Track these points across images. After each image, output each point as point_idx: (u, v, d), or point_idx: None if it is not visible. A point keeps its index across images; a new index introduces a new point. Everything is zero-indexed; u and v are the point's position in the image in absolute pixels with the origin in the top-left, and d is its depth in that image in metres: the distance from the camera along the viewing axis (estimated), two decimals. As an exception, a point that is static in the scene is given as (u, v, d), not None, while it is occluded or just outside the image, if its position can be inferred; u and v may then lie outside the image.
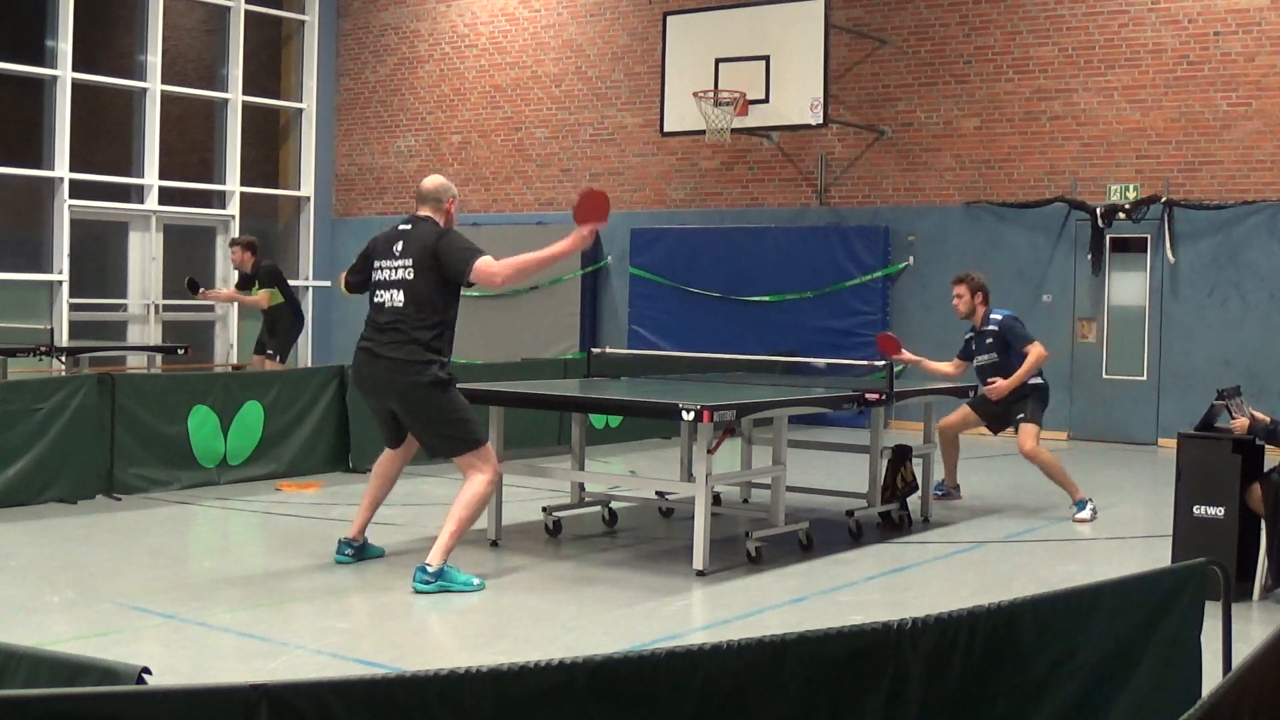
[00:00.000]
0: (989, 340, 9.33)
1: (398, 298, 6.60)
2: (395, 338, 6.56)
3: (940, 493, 9.60)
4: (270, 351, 12.60)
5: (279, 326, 12.66)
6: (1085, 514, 9.01)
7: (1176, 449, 6.91)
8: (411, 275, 6.57)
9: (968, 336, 9.57)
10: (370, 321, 6.72)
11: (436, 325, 6.58)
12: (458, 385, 6.76)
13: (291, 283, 13.67)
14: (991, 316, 9.38)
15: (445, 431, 6.64)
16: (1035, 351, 9.19)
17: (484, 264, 6.51)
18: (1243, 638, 3.66)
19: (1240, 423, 6.65)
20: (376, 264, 6.76)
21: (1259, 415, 6.71)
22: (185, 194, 17.89)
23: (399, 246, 6.67)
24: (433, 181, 6.87)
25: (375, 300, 6.73)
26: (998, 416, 9.48)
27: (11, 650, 2.37)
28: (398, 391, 6.62)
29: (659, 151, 16.82)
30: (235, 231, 17.98)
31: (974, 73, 14.94)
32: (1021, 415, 9.22)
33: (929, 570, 7.55)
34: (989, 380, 9.31)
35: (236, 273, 13.20)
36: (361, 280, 6.89)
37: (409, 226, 6.77)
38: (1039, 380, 9.31)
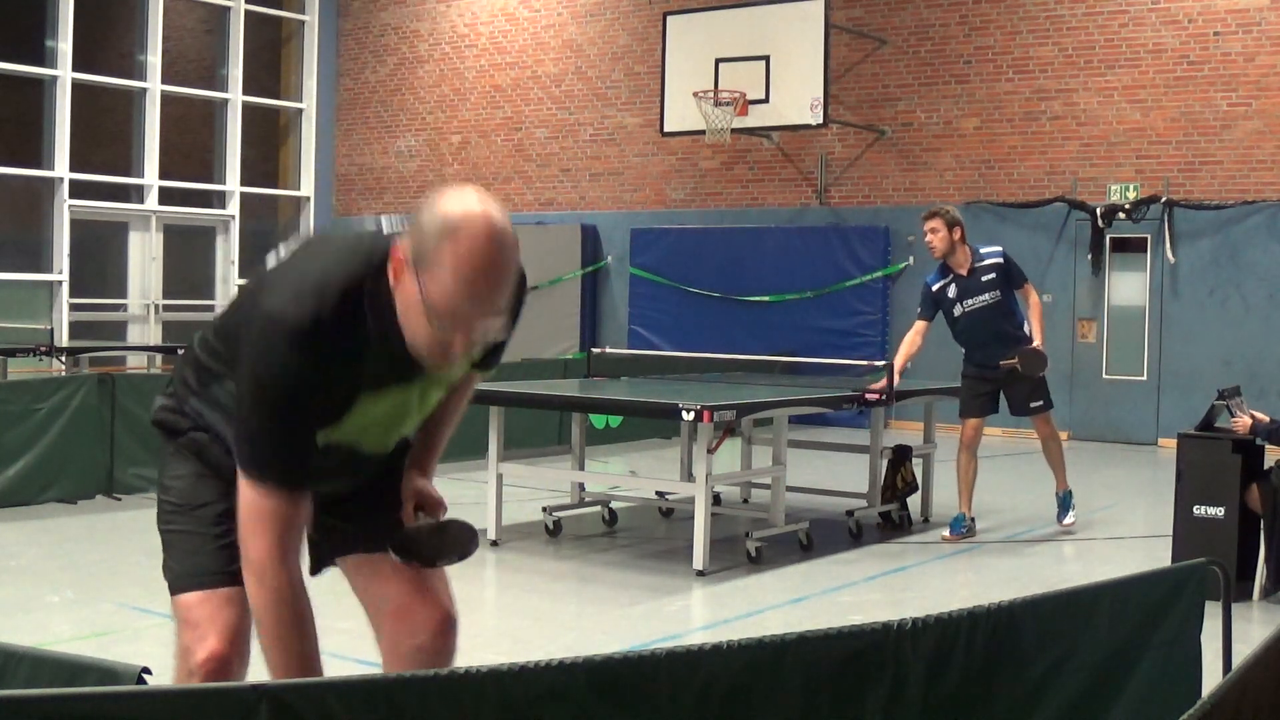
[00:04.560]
0: (987, 278, 8.10)
1: None
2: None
3: (964, 530, 8.24)
4: None
5: None
6: (1070, 519, 8.54)
7: (1176, 449, 6.91)
8: None
9: (939, 285, 8.18)
10: None
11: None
12: None
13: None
14: (984, 251, 8.20)
15: None
16: (1035, 294, 8.32)
17: None
18: (1243, 638, 3.65)
19: (1242, 422, 6.65)
20: None
21: (1259, 415, 6.72)
22: (185, 194, 17.89)
23: None
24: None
25: None
26: (1018, 397, 8.29)
27: (11, 650, 2.37)
28: None
29: (659, 151, 16.82)
30: (235, 231, 18.02)
31: (974, 73, 14.94)
32: (1039, 405, 8.30)
33: (929, 570, 7.55)
34: (983, 330, 8.13)
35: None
36: None
37: None
38: (1041, 344, 8.24)
